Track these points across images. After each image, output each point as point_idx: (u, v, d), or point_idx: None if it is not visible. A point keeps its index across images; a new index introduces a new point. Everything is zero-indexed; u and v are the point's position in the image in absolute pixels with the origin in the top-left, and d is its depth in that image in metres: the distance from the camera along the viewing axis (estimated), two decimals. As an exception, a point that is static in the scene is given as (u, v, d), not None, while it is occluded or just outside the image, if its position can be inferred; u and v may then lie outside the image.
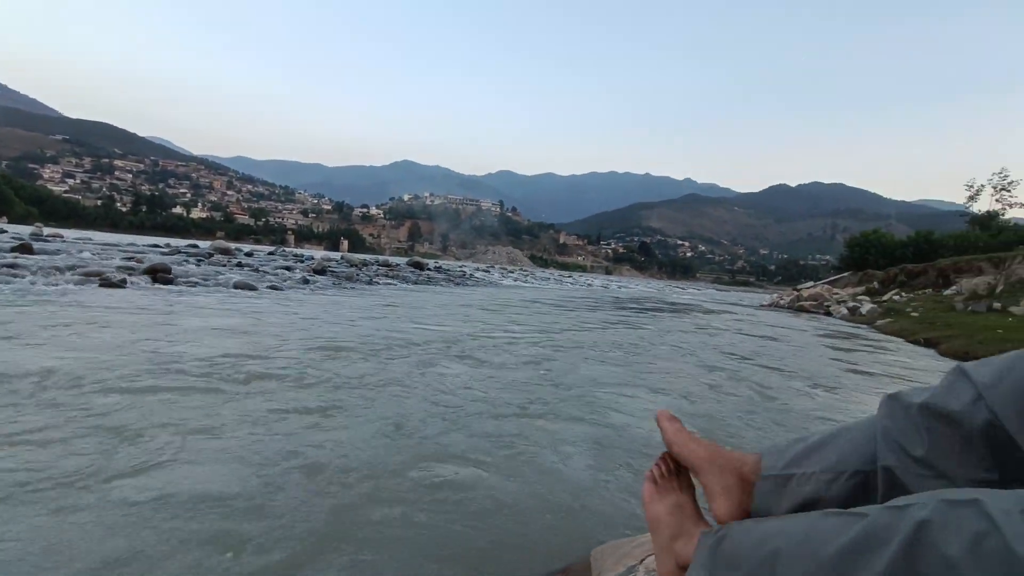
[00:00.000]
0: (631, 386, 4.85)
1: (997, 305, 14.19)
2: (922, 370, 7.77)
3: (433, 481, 2.43)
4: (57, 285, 8.38)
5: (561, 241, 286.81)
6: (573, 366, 5.58)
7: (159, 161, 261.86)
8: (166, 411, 2.95)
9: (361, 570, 1.70)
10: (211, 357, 4.31)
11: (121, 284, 9.17)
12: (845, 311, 20.58)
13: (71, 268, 9.93)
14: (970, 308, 14.79)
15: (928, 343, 11.36)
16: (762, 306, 28.43)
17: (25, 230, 26.28)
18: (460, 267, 43.42)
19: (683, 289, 61.02)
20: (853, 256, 42.39)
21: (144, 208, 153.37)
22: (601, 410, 4.00)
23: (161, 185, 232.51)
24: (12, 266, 9.36)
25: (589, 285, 40.06)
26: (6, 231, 21.59)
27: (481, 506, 2.25)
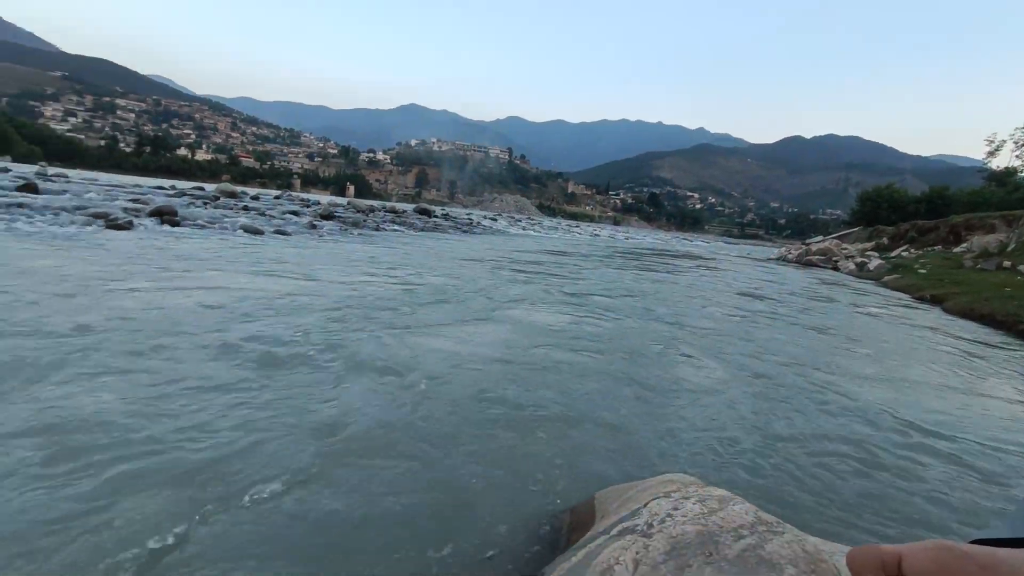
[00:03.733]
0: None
1: (1007, 264, 14.05)
2: (925, 326, 7.78)
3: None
4: (66, 228, 8.40)
5: (570, 190, 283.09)
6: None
7: (161, 100, 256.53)
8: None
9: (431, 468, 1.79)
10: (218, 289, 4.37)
11: (127, 226, 9.17)
12: (852, 266, 20.47)
13: (79, 209, 9.93)
14: (979, 266, 14.67)
15: (934, 300, 11.33)
16: (769, 260, 28.29)
17: (29, 169, 26.10)
18: (467, 215, 43.12)
19: (690, 241, 60.71)
20: (864, 211, 41.68)
21: (148, 149, 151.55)
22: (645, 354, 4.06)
23: (164, 125, 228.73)
24: (20, 205, 9.37)
25: (596, 235, 39.82)
26: (10, 170, 21.35)
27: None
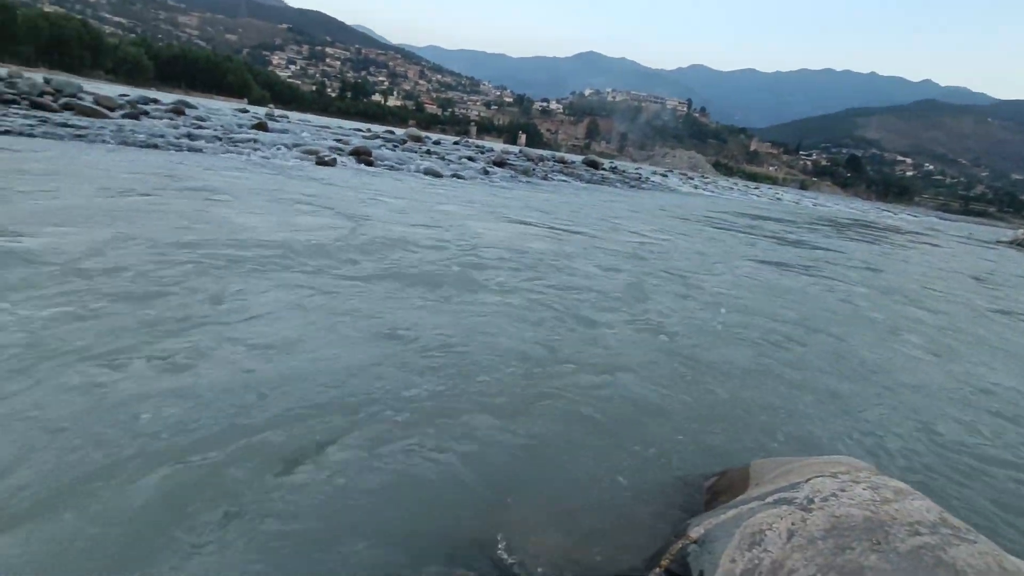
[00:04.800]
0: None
1: None
2: None
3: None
4: (287, 161, 9.82)
5: (752, 148, 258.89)
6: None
7: (362, 49, 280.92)
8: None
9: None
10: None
11: (332, 163, 10.42)
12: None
13: (296, 146, 11.50)
14: None
15: None
16: (999, 242, 23.59)
17: (261, 111, 30.78)
18: (636, 169, 41.80)
19: (893, 213, 52.37)
20: None
21: (349, 95, 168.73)
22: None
23: (363, 72, 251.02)
24: (254, 140, 11.11)
25: (778, 198, 36.37)
26: (248, 111, 26.27)
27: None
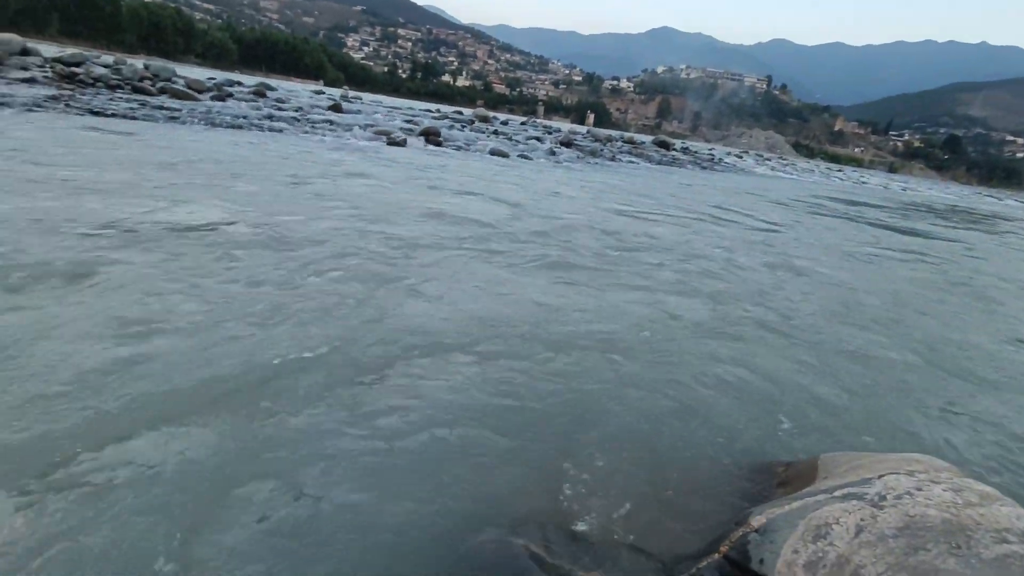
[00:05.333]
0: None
1: None
2: None
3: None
4: (361, 142, 10.15)
5: (836, 128, 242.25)
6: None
7: (432, 30, 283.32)
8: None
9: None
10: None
11: (402, 143, 10.66)
12: None
13: (368, 126, 11.84)
14: None
15: None
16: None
17: (336, 92, 31.80)
18: (709, 150, 40.24)
19: (998, 199, 47.70)
20: None
21: (419, 75, 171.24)
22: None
23: (433, 53, 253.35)
24: (330, 122, 11.52)
25: (863, 182, 34.16)
26: (324, 92, 27.31)
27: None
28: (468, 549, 1.43)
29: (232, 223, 3.76)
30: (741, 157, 36.95)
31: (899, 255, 6.78)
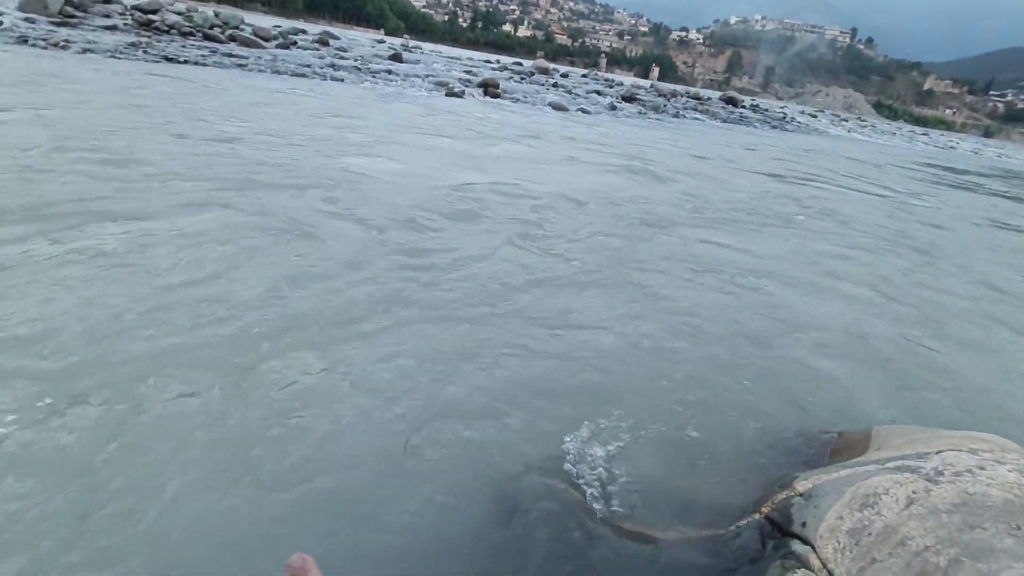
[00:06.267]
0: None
1: None
2: None
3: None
4: (420, 91, 10.13)
5: (926, 87, 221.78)
6: None
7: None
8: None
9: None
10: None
11: (460, 95, 10.58)
12: None
13: (428, 76, 11.78)
14: None
15: None
16: None
17: (396, 41, 31.61)
18: (781, 108, 37.94)
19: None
20: None
21: (479, 25, 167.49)
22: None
23: (495, 1, 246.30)
24: (389, 71, 11.53)
25: (951, 147, 31.56)
26: (384, 41, 27.28)
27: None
28: (514, 488, 1.52)
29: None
30: (815, 116, 34.74)
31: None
